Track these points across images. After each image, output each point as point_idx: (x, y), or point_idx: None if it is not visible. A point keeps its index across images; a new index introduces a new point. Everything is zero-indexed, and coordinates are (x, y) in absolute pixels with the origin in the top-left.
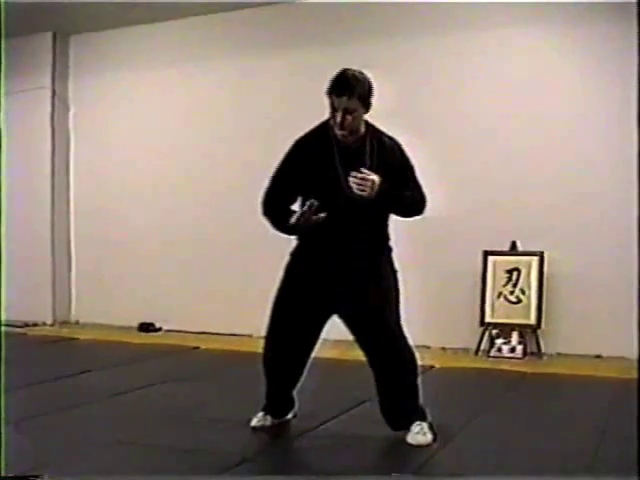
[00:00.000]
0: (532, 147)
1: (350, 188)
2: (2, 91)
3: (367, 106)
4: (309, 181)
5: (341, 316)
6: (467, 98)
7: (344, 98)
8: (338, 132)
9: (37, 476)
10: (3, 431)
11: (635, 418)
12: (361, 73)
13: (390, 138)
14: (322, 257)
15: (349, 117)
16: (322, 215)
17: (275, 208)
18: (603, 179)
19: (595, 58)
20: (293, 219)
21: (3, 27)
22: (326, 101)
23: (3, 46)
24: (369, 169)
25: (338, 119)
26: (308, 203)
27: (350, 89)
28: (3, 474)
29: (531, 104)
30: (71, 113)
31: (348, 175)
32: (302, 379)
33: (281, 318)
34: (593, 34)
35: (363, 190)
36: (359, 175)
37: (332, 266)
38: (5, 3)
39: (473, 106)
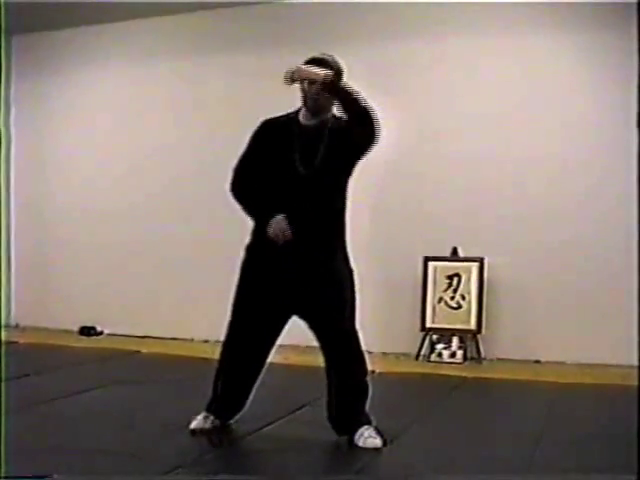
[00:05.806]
0: (472, 152)
1: (304, 166)
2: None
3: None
4: (269, 160)
5: (301, 317)
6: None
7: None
8: (303, 109)
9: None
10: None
11: (572, 421)
12: (332, 58)
13: None
14: (277, 255)
15: (313, 87)
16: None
17: (242, 187)
18: (543, 185)
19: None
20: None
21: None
22: (265, 106)
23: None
24: (325, 148)
25: (302, 94)
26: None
27: (316, 64)
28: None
29: (469, 109)
30: (12, 113)
31: (303, 155)
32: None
33: (241, 320)
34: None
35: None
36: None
37: (288, 265)
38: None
39: (414, 109)
